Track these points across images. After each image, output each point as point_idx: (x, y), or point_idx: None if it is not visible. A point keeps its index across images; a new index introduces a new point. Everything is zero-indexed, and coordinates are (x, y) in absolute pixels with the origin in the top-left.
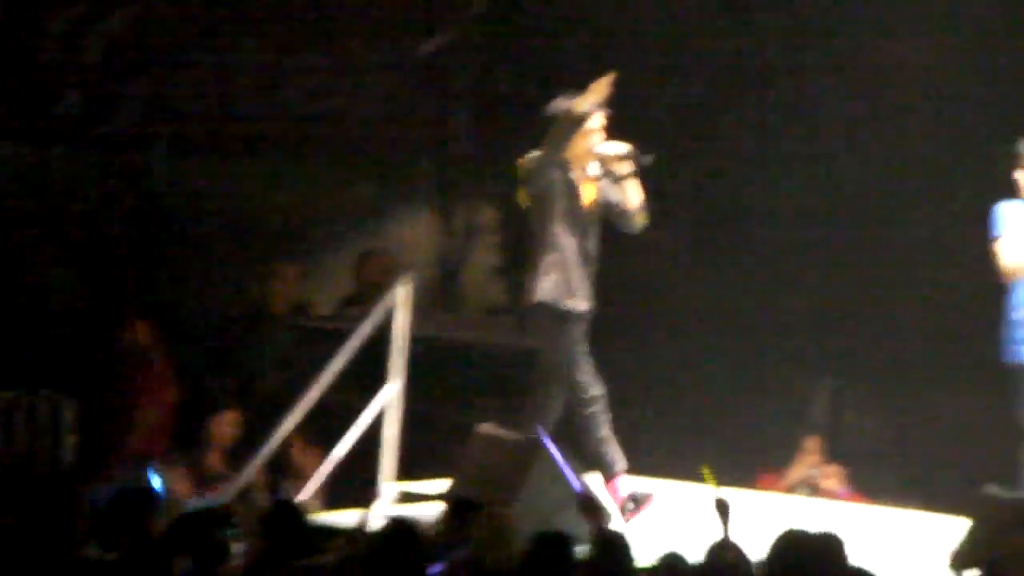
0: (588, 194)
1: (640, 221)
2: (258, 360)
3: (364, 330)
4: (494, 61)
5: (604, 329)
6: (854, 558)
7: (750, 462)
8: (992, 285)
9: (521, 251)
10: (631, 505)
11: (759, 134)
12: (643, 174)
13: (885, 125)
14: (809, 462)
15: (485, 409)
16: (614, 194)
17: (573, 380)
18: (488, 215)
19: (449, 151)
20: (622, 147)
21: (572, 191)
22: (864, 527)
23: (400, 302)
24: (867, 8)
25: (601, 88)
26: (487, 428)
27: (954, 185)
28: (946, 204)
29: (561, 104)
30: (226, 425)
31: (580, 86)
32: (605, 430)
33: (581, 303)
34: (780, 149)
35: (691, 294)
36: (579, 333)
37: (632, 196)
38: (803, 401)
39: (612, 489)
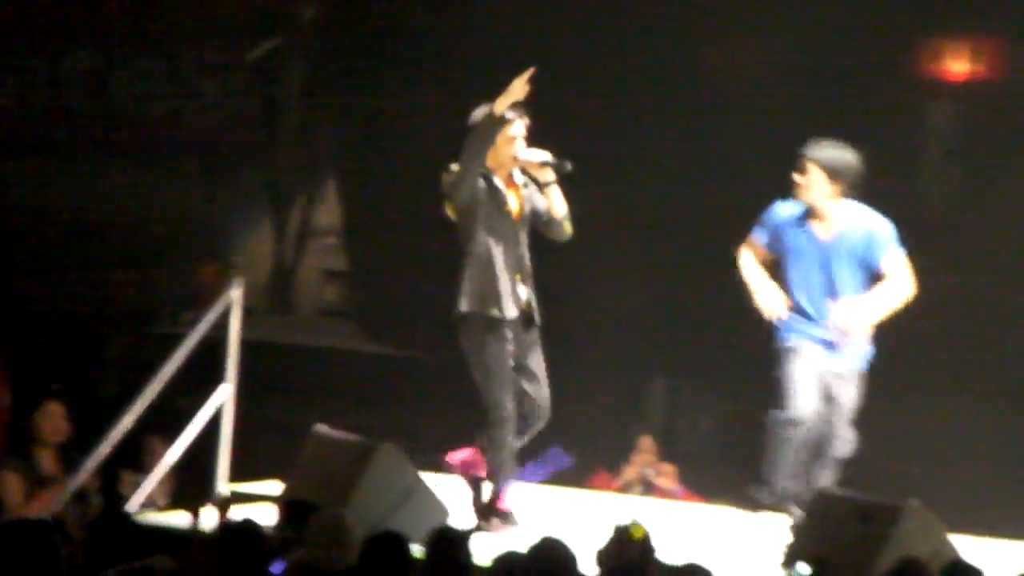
0: (515, 202)
1: (567, 229)
2: (96, 364)
3: (198, 333)
4: (323, 66)
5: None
6: (688, 556)
7: (584, 461)
8: None
9: (359, 254)
10: (497, 522)
11: None
12: (563, 181)
13: (719, 136)
14: (643, 461)
15: (320, 410)
16: (540, 202)
17: (490, 393)
18: (321, 218)
19: (280, 154)
20: (543, 154)
21: (498, 199)
22: (697, 526)
23: (233, 305)
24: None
25: (519, 86)
26: (322, 429)
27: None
28: None
29: (480, 112)
30: (51, 418)
31: (411, 91)
32: (507, 453)
33: (509, 311)
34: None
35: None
36: (509, 342)
37: (557, 204)
38: (637, 400)
39: (498, 499)
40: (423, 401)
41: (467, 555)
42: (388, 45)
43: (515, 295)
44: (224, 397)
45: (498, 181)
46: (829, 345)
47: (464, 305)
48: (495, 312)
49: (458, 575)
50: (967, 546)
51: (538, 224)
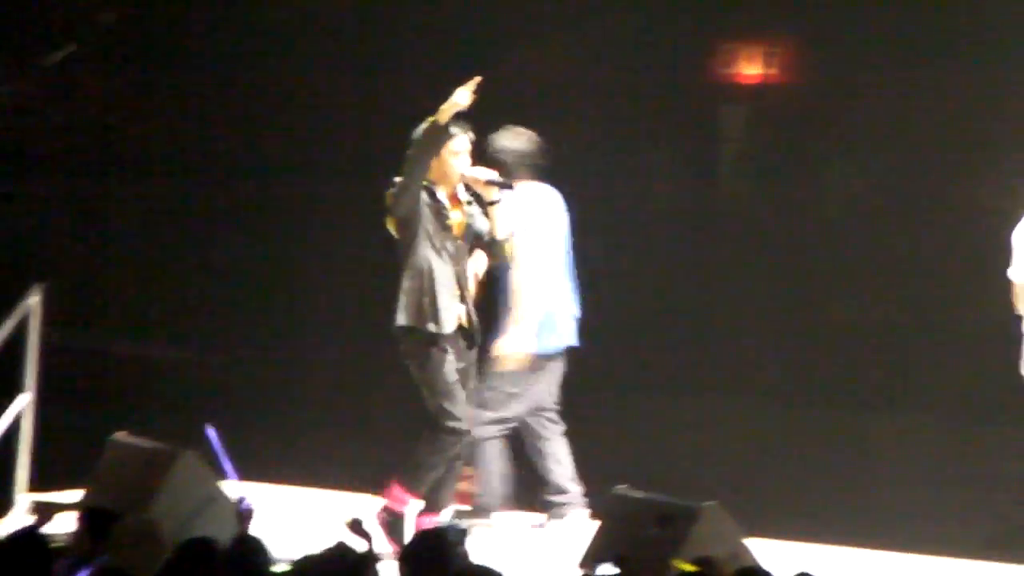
0: (458, 218)
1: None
2: None
3: None
4: (122, 72)
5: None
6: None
7: (387, 471)
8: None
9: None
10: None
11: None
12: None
13: None
14: None
15: (123, 418)
16: (481, 222)
17: (437, 407)
18: (129, 222)
19: (77, 160)
20: (489, 172)
21: (440, 214)
22: (495, 531)
23: (32, 313)
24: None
25: (462, 96)
26: (122, 436)
27: None
28: None
29: (424, 124)
30: None
31: (206, 96)
32: (450, 468)
33: (448, 325)
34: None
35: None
36: (449, 354)
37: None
38: None
39: (419, 522)
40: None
41: (267, 562)
42: (188, 51)
43: (454, 310)
44: (23, 405)
45: (442, 195)
46: None
47: (402, 319)
48: (432, 327)
49: None
50: (763, 549)
51: (479, 244)
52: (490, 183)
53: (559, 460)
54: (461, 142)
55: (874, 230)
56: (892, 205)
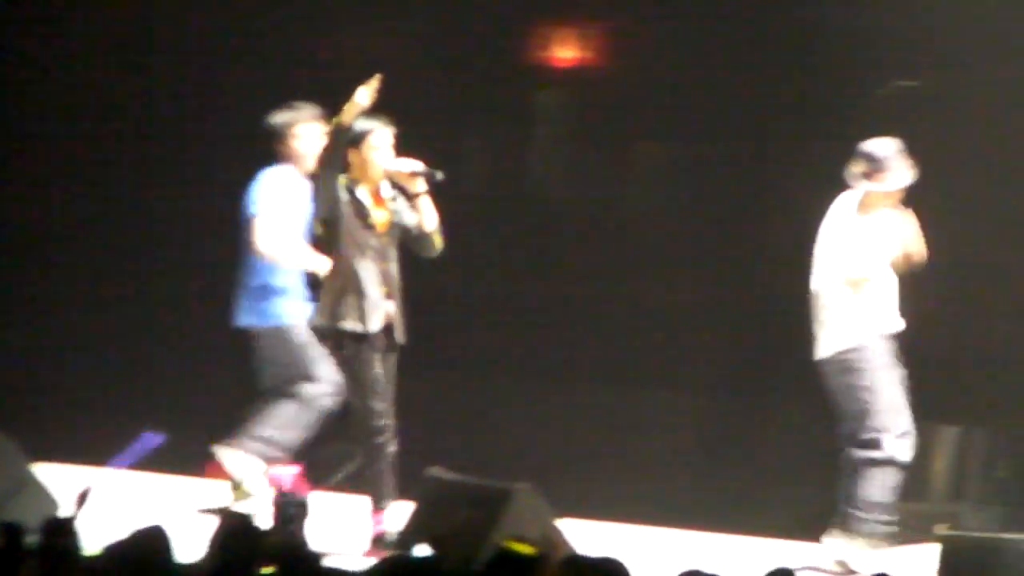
0: (381, 216)
1: (438, 243)
2: None
3: None
4: None
5: None
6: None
7: (199, 450)
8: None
9: None
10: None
11: None
12: (433, 191)
13: None
14: None
15: None
16: (409, 216)
17: (365, 405)
18: None
19: None
20: (413, 163)
21: (361, 213)
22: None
23: None
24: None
25: (363, 95)
26: None
27: None
28: None
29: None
30: None
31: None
32: (385, 462)
33: (373, 325)
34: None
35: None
36: (373, 357)
37: (428, 216)
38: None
39: (376, 519)
40: None
41: (76, 544)
42: (64, 47)
43: (382, 308)
44: None
45: (363, 193)
46: None
47: (324, 319)
48: (358, 327)
49: (66, 563)
50: (575, 529)
51: (407, 239)
52: (415, 174)
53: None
54: (381, 136)
55: (678, 213)
56: (700, 190)
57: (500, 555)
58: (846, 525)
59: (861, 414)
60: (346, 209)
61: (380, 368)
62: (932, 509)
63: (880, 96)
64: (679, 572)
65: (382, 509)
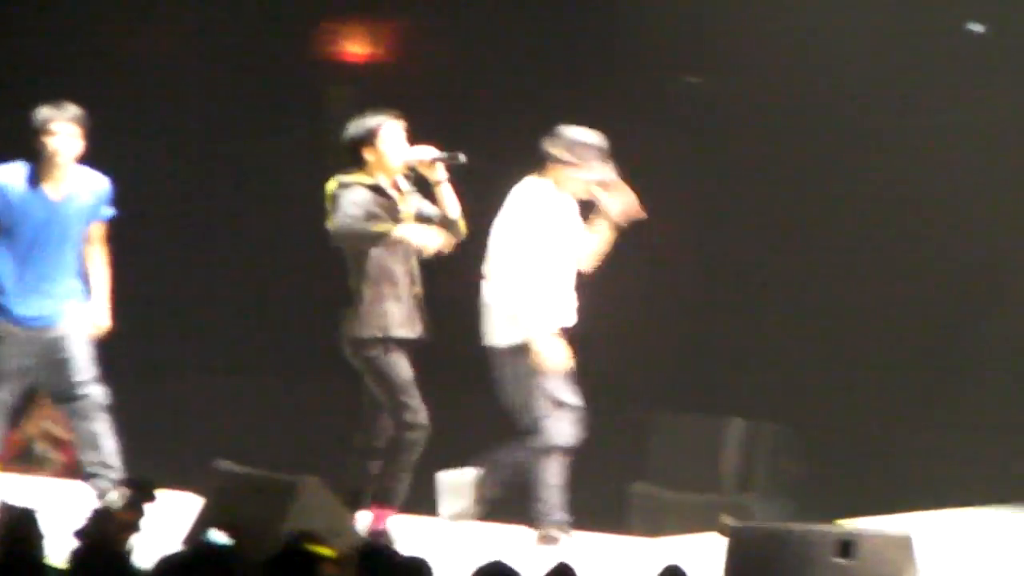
0: (408, 209)
1: (462, 229)
2: None
3: None
4: None
5: None
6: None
7: None
8: None
9: None
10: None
11: None
12: (453, 176)
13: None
14: (43, 414)
15: None
16: (428, 207)
17: (400, 402)
18: None
19: None
20: (431, 150)
21: (393, 210)
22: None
23: None
24: None
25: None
26: None
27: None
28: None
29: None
30: None
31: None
32: (404, 463)
33: (410, 332)
34: None
35: None
36: (402, 356)
37: (450, 203)
38: None
39: (378, 517)
40: None
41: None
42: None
43: (414, 315)
44: None
45: (387, 186)
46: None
47: (368, 329)
48: (399, 333)
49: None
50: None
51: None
52: (434, 160)
53: None
54: (390, 129)
55: None
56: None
57: (290, 550)
58: (532, 514)
59: (527, 403)
60: (378, 211)
61: (407, 366)
62: (720, 500)
63: (667, 93)
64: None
65: (388, 506)
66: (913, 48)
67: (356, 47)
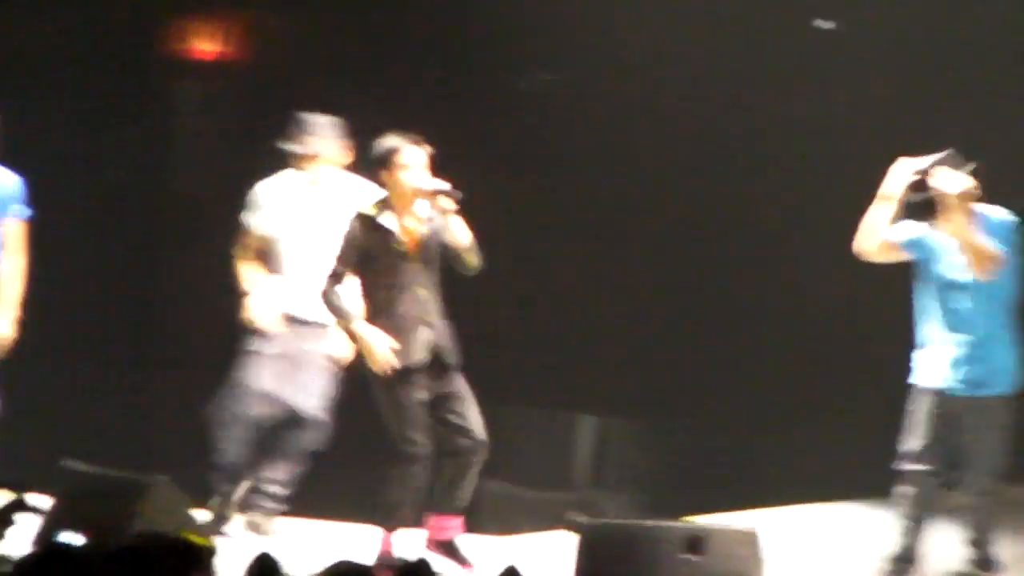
0: (415, 236)
1: (474, 261)
2: None
3: None
4: None
5: None
6: None
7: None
8: None
9: None
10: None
11: None
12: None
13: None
14: None
15: None
16: (445, 234)
17: (400, 433)
18: None
19: None
20: (436, 182)
21: (384, 244)
22: None
23: None
24: None
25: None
26: None
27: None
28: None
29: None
30: None
31: None
32: (413, 488)
33: (415, 356)
34: None
35: None
36: (413, 385)
37: (459, 234)
38: None
39: (385, 542)
40: None
41: None
42: None
43: (422, 337)
44: None
45: (388, 220)
46: None
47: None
48: (403, 359)
49: None
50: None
51: (447, 257)
52: (438, 192)
53: None
54: (409, 154)
55: None
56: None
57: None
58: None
59: None
60: (371, 244)
61: (419, 395)
62: (570, 497)
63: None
64: None
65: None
66: (762, 45)
67: (205, 43)
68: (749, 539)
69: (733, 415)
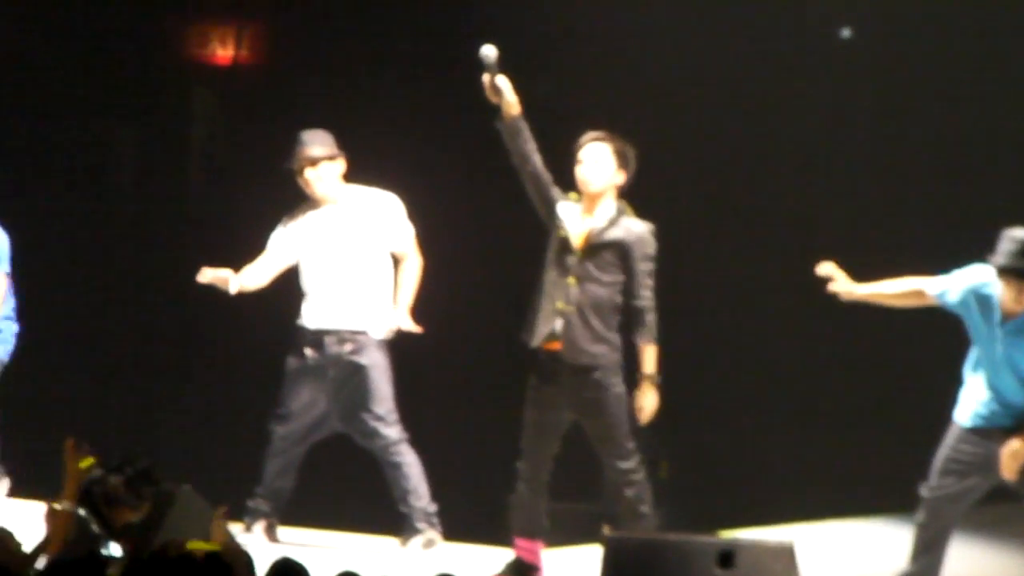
0: (578, 231)
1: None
2: None
3: None
4: None
5: None
6: None
7: None
8: None
9: None
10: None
11: None
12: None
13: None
14: None
15: None
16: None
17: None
18: None
19: None
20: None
21: (557, 227)
22: None
23: None
24: None
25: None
26: None
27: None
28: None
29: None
30: None
31: None
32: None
33: (533, 340)
34: None
35: None
36: (534, 373)
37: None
38: None
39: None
40: None
41: None
42: None
43: (547, 324)
44: None
45: (564, 208)
46: None
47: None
48: (525, 339)
49: None
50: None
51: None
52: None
53: None
54: (587, 151)
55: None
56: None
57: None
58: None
59: None
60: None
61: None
62: (596, 510)
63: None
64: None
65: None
66: (778, 51)
67: (221, 49)
68: (785, 553)
69: (766, 427)
